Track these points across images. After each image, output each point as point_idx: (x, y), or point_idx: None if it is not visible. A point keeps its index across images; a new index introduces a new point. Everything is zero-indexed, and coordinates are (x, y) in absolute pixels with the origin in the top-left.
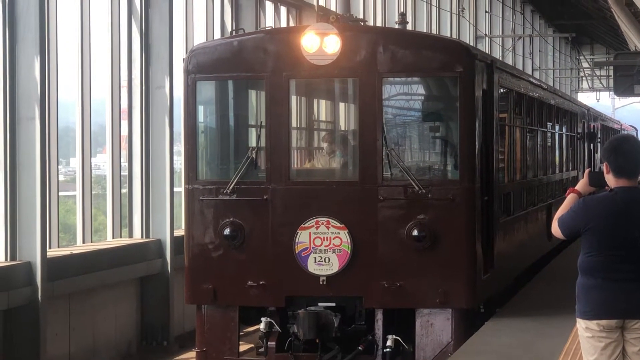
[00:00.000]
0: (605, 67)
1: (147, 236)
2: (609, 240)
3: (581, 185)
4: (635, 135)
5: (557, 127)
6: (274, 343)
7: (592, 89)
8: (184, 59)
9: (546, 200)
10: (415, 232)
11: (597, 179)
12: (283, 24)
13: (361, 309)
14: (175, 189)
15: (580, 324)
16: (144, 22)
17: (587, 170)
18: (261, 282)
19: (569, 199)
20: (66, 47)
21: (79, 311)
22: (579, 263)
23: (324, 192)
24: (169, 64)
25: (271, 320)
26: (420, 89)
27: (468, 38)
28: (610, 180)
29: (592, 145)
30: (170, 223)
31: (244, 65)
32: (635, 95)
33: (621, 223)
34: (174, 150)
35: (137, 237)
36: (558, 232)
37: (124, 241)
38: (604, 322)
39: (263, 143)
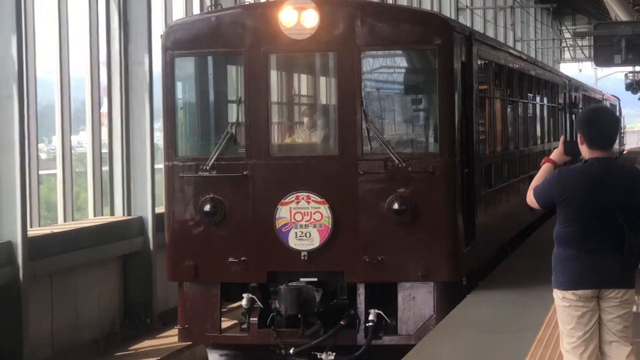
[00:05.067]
0: (587, 37)
1: (129, 214)
2: (584, 211)
3: (556, 154)
4: (616, 105)
5: (538, 98)
6: (256, 319)
7: (574, 59)
8: (161, 35)
9: (528, 171)
10: (395, 206)
11: (572, 148)
12: None
13: (343, 283)
14: (156, 166)
15: (557, 294)
16: None
17: (561, 139)
18: (242, 258)
19: (544, 169)
20: (44, 24)
21: (61, 290)
22: (555, 234)
23: (304, 166)
24: (148, 41)
25: (253, 296)
26: (399, 62)
27: (449, 10)
28: (585, 151)
29: (573, 115)
30: (151, 200)
31: (222, 40)
32: (615, 65)
33: (596, 194)
34: (155, 127)
35: (119, 214)
36: (533, 202)
37: (106, 219)
38: (579, 292)
39: (242, 118)
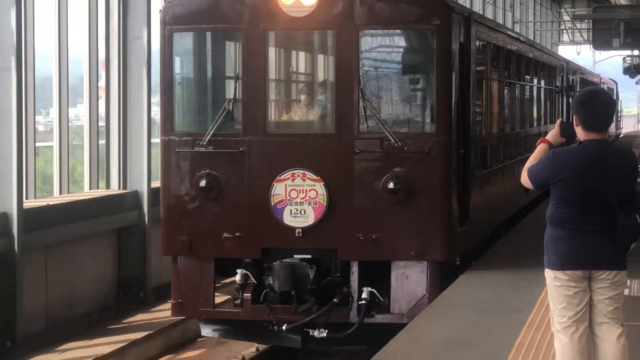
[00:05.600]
0: (586, 20)
1: (125, 187)
2: (577, 193)
3: (552, 135)
4: (613, 89)
5: (535, 81)
6: (249, 295)
7: (572, 42)
8: (160, 10)
9: (523, 154)
10: (391, 185)
11: (568, 130)
12: None
13: (336, 261)
14: (153, 141)
15: (549, 273)
16: None
17: (558, 121)
18: (237, 234)
19: (540, 149)
20: None
21: (55, 262)
22: (548, 214)
23: (300, 144)
24: (147, 15)
25: (247, 272)
26: (397, 42)
27: None
28: (580, 133)
29: (570, 98)
30: (147, 174)
31: (220, 17)
32: (613, 49)
33: (590, 175)
34: (152, 102)
35: (115, 188)
36: (527, 182)
37: (101, 192)
38: (570, 272)
39: (240, 95)
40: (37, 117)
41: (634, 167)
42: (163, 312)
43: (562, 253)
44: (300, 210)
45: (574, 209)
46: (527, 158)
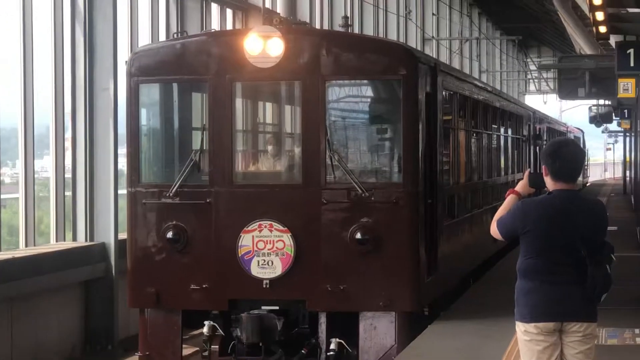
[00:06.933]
0: (552, 70)
1: (92, 239)
2: (547, 243)
3: (521, 186)
4: (580, 138)
5: (502, 130)
6: (217, 347)
7: (539, 91)
8: (126, 61)
9: (491, 202)
10: (358, 235)
11: (536, 180)
12: (229, 27)
13: (304, 312)
14: (120, 192)
15: (519, 327)
16: (87, 23)
17: (526, 171)
18: (204, 286)
19: (509, 200)
20: (8, 48)
21: (21, 315)
22: (518, 266)
23: (268, 195)
24: (114, 66)
25: (214, 324)
26: (364, 92)
27: (415, 41)
28: (549, 183)
29: (537, 147)
30: (114, 226)
31: (187, 67)
32: (579, 98)
33: (559, 226)
34: (119, 153)
35: (82, 240)
36: (496, 233)
37: (68, 245)
38: (541, 324)
39: (206, 146)
40: (4, 169)
41: (603, 216)
42: None
43: (533, 305)
44: (268, 262)
45: (544, 260)
46: (495, 207)
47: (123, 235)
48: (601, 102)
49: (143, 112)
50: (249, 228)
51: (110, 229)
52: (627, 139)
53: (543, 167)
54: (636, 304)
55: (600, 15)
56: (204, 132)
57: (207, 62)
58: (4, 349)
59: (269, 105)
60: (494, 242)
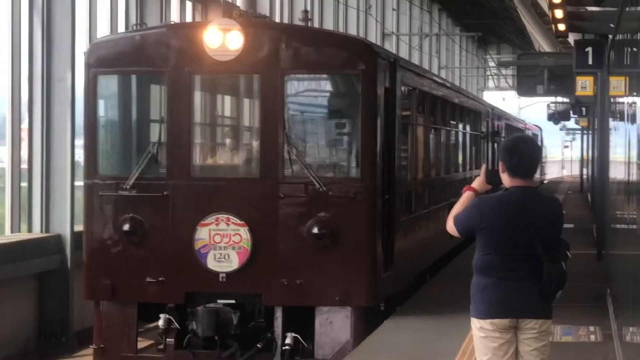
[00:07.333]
0: (511, 67)
1: (47, 231)
2: (503, 240)
3: (478, 182)
4: (537, 135)
5: (460, 126)
6: (172, 340)
7: (498, 88)
8: (84, 53)
9: (449, 199)
10: (315, 230)
11: (493, 177)
12: (189, 19)
13: (260, 306)
14: (77, 183)
15: (475, 323)
16: (45, 14)
17: (483, 168)
18: (160, 279)
19: (465, 197)
20: None
21: None
22: (474, 262)
23: (225, 188)
24: (71, 57)
25: (170, 317)
26: (323, 87)
27: (375, 36)
28: (506, 179)
29: (495, 144)
30: (70, 218)
31: (145, 59)
32: (537, 95)
33: (516, 222)
34: (76, 144)
35: (37, 231)
36: (453, 230)
37: (22, 236)
38: (497, 321)
39: (164, 138)
40: None
41: (559, 213)
42: (85, 357)
43: (489, 302)
44: (224, 255)
45: (500, 256)
46: (453, 203)
47: (79, 227)
48: (559, 99)
49: (101, 104)
50: (206, 221)
51: (66, 221)
52: (585, 137)
53: (500, 163)
54: (591, 301)
55: (559, 13)
56: (162, 125)
57: (166, 54)
58: None
59: (227, 99)
60: (450, 239)
